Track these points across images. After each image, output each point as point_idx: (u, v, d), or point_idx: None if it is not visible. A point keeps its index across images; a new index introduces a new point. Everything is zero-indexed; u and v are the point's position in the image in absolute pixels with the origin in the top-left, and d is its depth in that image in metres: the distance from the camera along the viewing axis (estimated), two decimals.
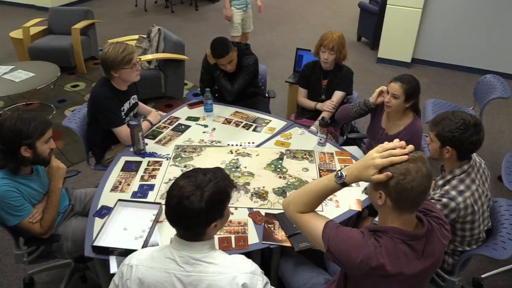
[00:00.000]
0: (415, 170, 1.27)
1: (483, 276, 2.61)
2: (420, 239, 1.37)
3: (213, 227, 1.38)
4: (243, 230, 2.00)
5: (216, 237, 1.91)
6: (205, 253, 1.37)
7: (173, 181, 1.39)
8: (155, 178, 2.36)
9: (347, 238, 1.37)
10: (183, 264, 1.35)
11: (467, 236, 1.95)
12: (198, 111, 3.07)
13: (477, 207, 1.88)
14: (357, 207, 2.15)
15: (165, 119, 2.96)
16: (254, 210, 2.14)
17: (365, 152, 2.89)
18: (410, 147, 1.32)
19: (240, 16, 4.95)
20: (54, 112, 4.51)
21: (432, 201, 1.86)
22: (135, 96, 2.86)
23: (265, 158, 2.55)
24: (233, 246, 1.91)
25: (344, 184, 1.40)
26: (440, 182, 1.96)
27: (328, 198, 2.10)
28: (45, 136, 1.98)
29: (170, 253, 1.37)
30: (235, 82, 3.08)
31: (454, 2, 5.22)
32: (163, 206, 2.10)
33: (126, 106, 2.72)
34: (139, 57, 4.17)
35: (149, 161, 2.50)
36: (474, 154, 1.99)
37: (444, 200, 1.84)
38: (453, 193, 1.85)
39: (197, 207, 1.29)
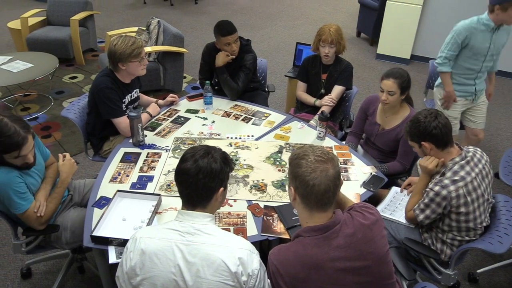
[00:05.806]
0: (320, 169, 1.39)
1: (478, 271, 2.63)
2: (334, 229, 1.41)
3: (219, 193, 1.48)
4: (242, 222, 2.01)
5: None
6: (206, 224, 1.45)
7: (172, 173, 1.45)
8: (154, 169, 2.36)
9: None
10: (184, 233, 1.41)
11: (463, 227, 1.99)
12: (197, 104, 3.06)
13: (470, 198, 1.92)
14: (355, 201, 2.16)
15: (165, 111, 2.96)
16: (253, 202, 2.15)
17: (362, 147, 2.90)
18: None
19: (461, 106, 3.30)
20: (52, 103, 4.50)
21: (427, 189, 1.99)
22: (137, 90, 2.86)
23: (264, 151, 2.55)
24: None
25: None
26: (437, 176, 2.02)
27: None
28: (11, 154, 1.86)
29: (173, 225, 1.45)
30: (237, 80, 3.08)
31: None
32: (162, 198, 2.12)
33: (127, 98, 2.72)
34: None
35: (148, 153, 2.50)
36: (474, 148, 2.04)
37: (436, 188, 1.93)
38: (446, 181, 1.93)
39: (214, 166, 1.46)
